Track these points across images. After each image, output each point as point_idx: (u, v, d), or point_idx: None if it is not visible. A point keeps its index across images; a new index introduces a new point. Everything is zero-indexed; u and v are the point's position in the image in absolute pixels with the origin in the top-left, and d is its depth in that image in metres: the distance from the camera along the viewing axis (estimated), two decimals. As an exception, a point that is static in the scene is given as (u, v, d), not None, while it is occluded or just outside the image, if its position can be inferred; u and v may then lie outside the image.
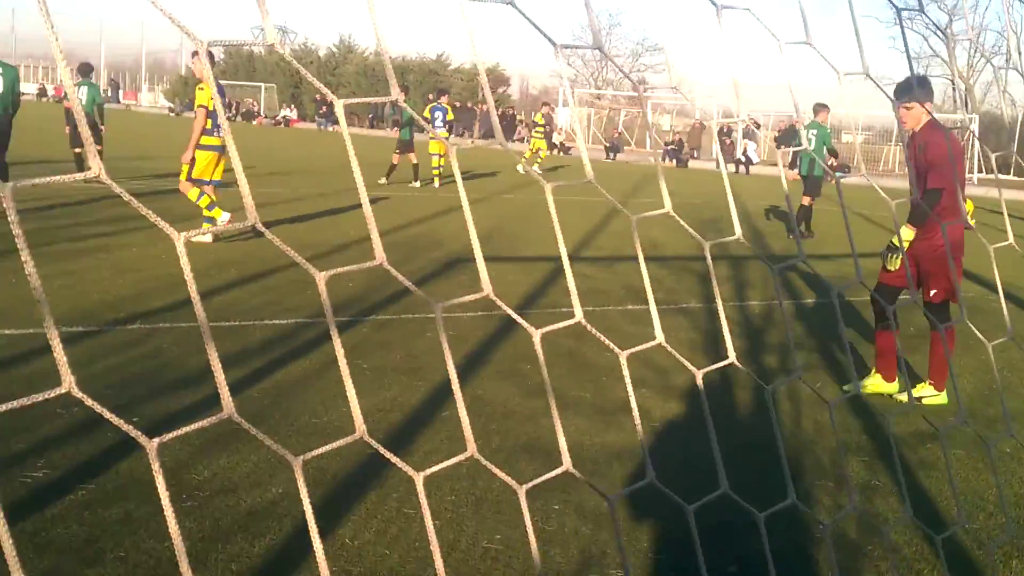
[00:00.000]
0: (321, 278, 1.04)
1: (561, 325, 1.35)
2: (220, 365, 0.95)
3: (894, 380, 7.40)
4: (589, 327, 1.35)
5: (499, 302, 1.25)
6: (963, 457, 6.18)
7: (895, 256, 7.16)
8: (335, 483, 5.01)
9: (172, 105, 75.26)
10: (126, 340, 7.29)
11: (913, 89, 6.82)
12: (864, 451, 6.20)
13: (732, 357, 1.58)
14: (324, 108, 62.53)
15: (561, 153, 48.80)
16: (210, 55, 12.59)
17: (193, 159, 12.14)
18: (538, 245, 14.27)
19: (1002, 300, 2.43)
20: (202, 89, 12.21)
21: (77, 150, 14.64)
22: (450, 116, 24.69)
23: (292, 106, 71.77)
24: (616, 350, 1.40)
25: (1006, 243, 2.33)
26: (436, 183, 23.83)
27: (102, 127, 14.90)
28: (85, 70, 15.47)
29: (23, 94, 14.83)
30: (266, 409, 6.01)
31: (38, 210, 13.50)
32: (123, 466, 4.94)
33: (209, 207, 12.25)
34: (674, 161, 47.56)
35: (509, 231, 15.84)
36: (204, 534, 4.33)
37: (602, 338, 1.41)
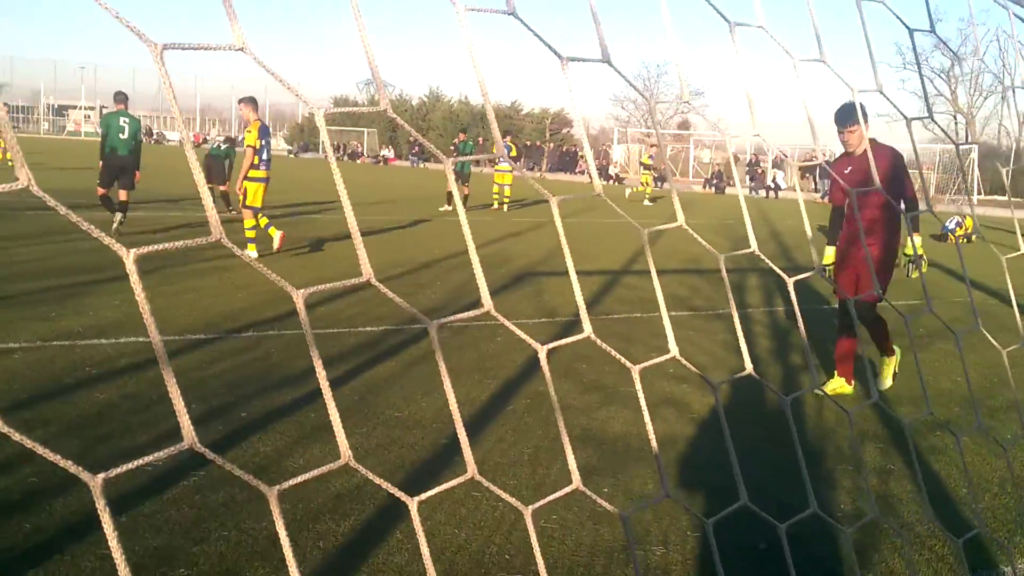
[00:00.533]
0: (299, 296, 0.88)
1: (568, 341, 1.17)
2: (179, 394, 0.78)
3: (852, 383, 7.01)
4: (599, 342, 1.17)
5: (500, 318, 1.07)
6: (968, 443, 5.86)
7: (915, 265, 6.80)
8: (412, 469, 4.86)
9: (291, 147, 76.29)
10: (240, 346, 7.22)
11: (855, 113, 6.34)
12: (880, 439, 5.92)
13: (749, 368, 1.39)
14: (416, 148, 63.15)
15: (616, 183, 48.51)
16: (254, 101, 12.79)
17: (246, 190, 12.35)
18: (595, 260, 14.06)
19: (1015, 308, 2.20)
20: (250, 132, 12.46)
21: (102, 191, 14.00)
22: (513, 152, 24.87)
23: (390, 147, 72.61)
24: (629, 364, 1.22)
25: (1018, 253, 2.11)
26: (504, 208, 24.03)
27: (137, 173, 14.16)
28: (121, 98, 14.39)
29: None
30: (356, 404, 5.88)
31: (171, 235, 13.61)
32: (229, 455, 4.83)
33: (266, 227, 12.55)
34: (713, 188, 47.04)
35: (571, 248, 15.61)
36: (297, 515, 4.20)
37: (613, 352, 1.22)
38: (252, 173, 12.37)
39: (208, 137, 77.27)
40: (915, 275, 6.81)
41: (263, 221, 12.54)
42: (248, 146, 12.36)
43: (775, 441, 5.65)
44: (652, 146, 38.87)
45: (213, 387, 6.03)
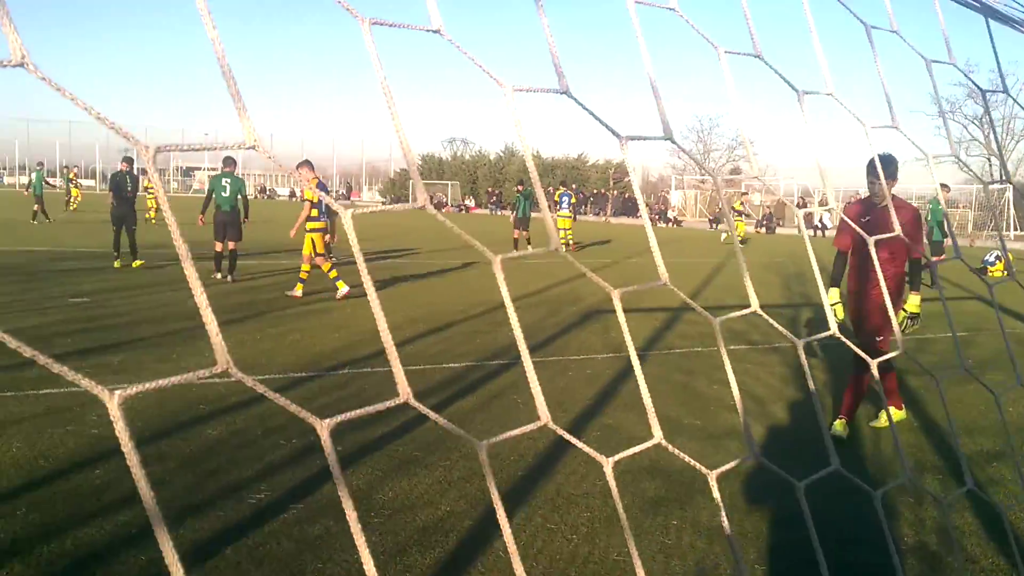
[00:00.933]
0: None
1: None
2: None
3: (902, 408, 6.65)
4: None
5: (419, 406, 0.89)
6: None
7: (912, 322, 6.25)
8: (489, 501, 4.65)
9: (384, 200, 77.37)
10: (336, 383, 7.13)
11: (886, 167, 5.85)
12: (938, 470, 5.54)
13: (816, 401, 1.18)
14: (494, 197, 63.65)
15: (675, 226, 48.09)
16: (309, 163, 13.02)
17: (313, 241, 12.58)
18: (658, 298, 13.74)
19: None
20: (308, 188, 12.36)
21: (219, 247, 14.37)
22: (574, 200, 24.99)
23: (471, 196, 73.17)
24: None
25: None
26: (568, 249, 23.77)
27: (245, 219, 14.50)
28: (228, 162, 14.98)
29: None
30: (440, 438, 5.71)
31: (277, 279, 13.71)
32: (326, 488, 4.69)
33: (334, 278, 12.54)
34: (764, 229, 46.28)
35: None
36: (385, 547, 4.03)
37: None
38: (311, 224, 12.66)
39: (313, 192, 78.56)
40: (911, 330, 6.27)
41: (332, 273, 12.60)
42: (307, 200, 12.74)
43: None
44: (743, 194, 38.55)
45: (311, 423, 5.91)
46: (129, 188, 15.40)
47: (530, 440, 5.80)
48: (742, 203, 34.88)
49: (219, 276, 13.78)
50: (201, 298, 0.67)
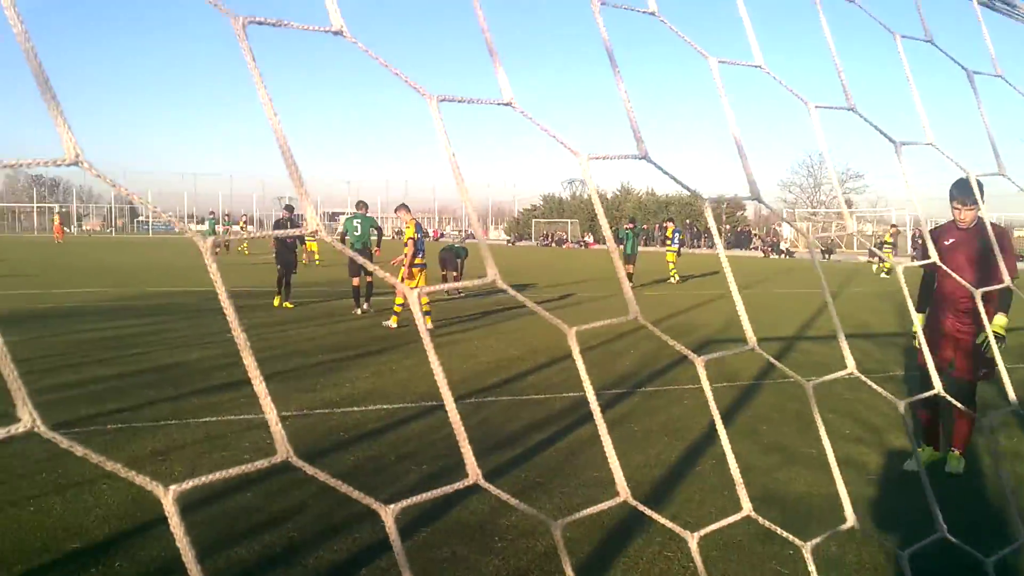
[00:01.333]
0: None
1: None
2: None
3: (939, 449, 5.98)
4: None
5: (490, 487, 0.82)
6: None
7: (997, 343, 5.42)
8: (608, 529, 4.54)
9: (508, 237, 78.18)
10: (464, 412, 7.14)
11: (974, 190, 5.37)
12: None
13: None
14: (614, 232, 63.67)
15: (786, 257, 46.74)
16: (406, 207, 13.20)
17: (411, 275, 12.83)
18: (772, 327, 13.30)
19: None
20: (408, 228, 13.03)
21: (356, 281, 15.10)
22: (682, 236, 24.86)
23: (589, 233, 73.18)
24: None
25: None
26: (673, 280, 23.86)
27: (376, 250, 15.09)
28: (361, 205, 15.73)
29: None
30: (560, 465, 5.63)
31: (410, 316, 13.94)
32: (454, 513, 4.68)
33: (399, 305, 12.85)
34: (878, 259, 44.42)
35: (749, 318, 14.90)
36: (508, 571, 3.98)
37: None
38: (415, 261, 12.97)
39: (444, 232, 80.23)
40: (990, 353, 5.51)
41: (398, 300, 12.91)
42: (409, 238, 12.96)
43: (950, 502, 4.98)
44: (893, 226, 37.22)
45: (440, 449, 5.94)
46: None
47: (646, 468, 5.66)
48: (891, 236, 33.54)
49: (359, 311, 14.17)
50: (256, 377, 0.65)
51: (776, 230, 64.35)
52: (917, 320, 5.53)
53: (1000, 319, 5.41)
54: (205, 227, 31.50)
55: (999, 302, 5.45)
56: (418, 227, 13.07)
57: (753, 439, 6.39)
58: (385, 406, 7.19)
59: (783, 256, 47.69)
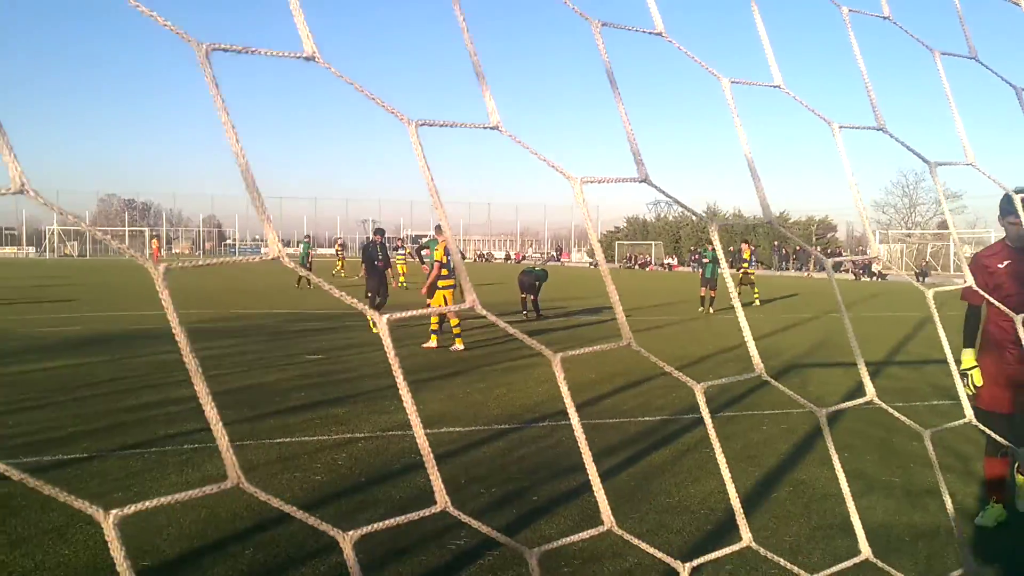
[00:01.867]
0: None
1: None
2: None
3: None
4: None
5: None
6: None
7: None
8: (677, 554, 4.47)
9: (591, 260, 77.96)
10: (536, 435, 7.16)
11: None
12: None
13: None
14: (696, 255, 62.97)
15: (879, 279, 45.37)
16: (439, 228, 13.37)
17: (444, 298, 12.99)
18: (842, 353, 12.88)
19: None
20: (437, 249, 13.25)
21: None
22: (746, 255, 24.12)
23: (673, 255, 72.51)
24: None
25: None
26: (757, 303, 23.76)
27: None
28: (439, 230, 16.07)
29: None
30: (632, 490, 5.59)
31: (487, 338, 14.04)
32: (519, 537, 4.68)
33: (440, 327, 13.23)
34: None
35: (835, 341, 14.53)
36: (572, 596, 3.96)
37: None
38: (441, 283, 13.08)
39: (526, 255, 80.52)
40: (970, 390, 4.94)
41: (434, 322, 13.17)
42: (436, 260, 13.12)
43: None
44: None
45: (511, 472, 5.96)
46: (380, 258, 16.34)
47: (720, 494, 5.56)
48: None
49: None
50: (210, 410, 0.68)
51: (865, 252, 62.55)
52: (965, 359, 5.00)
53: None
54: (300, 250, 32.40)
55: None
56: (447, 250, 13.22)
57: (831, 466, 6.20)
58: (458, 428, 7.26)
59: (875, 279, 46.29)
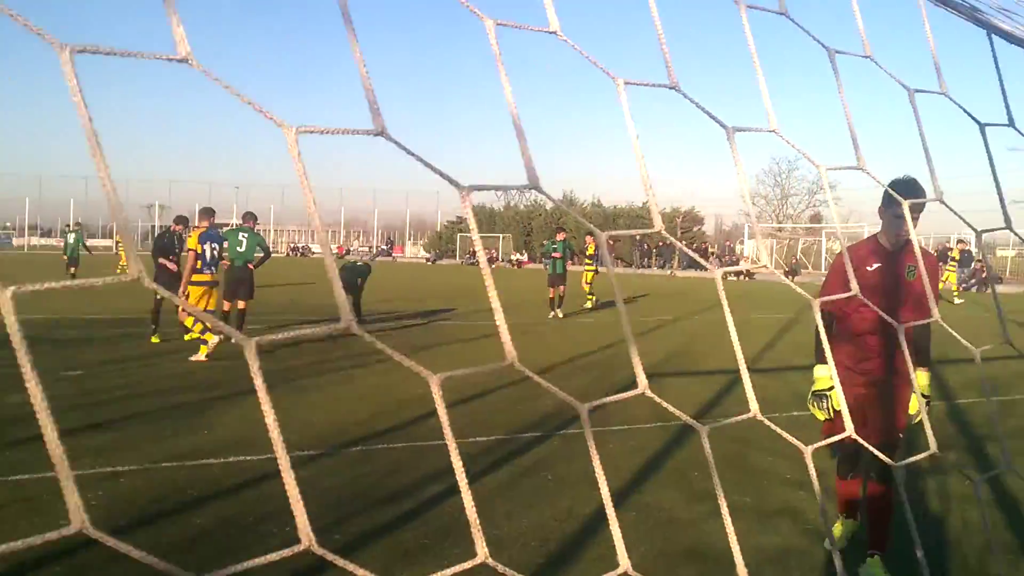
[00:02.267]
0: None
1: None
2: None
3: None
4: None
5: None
6: None
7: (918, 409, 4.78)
8: None
9: (429, 255, 78.14)
10: (347, 462, 7.08)
11: (919, 196, 4.37)
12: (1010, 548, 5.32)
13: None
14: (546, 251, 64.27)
15: (746, 279, 47.62)
16: (207, 211, 13.30)
17: (187, 293, 12.76)
18: (719, 359, 13.52)
19: None
20: (191, 237, 13.12)
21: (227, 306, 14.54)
22: (591, 250, 24.37)
23: (523, 251, 73.56)
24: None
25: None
26: (589, 304, 23.76)
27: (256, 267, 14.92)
28: (248, 217, 15.27)
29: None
30: (454, 522, 5.61)
31: (298, 350, 13.79)
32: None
33: (202, 332, 12.69)
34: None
35: (696, 347, 15.16)
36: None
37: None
38: (195, 277, 12.89)
39: (350, 249, 79.65)
40: (916, 422, 4.85)
41: (198, 327, 12.96)
42: (189, 250, 12.93)
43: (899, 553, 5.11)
44: (960, 242, 37.08)
45: (311, 508, 5.84)
46: (177, 250, 14.53)
47: (557, 522, 5.68)
48: (959, 251, 33.53)
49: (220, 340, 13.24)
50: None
51: (731, 248, 65.69)
52: (819, 378, 4.92)
53: (923, 377, 4.81)
54: (68, 240, 30.88)
55: (923, 352, 4.84)
56: (205, 237, 12.96)
57: (682, 487, 6.47)
58: (250, 457, 7.08)
59: (742, 278, 48.58)
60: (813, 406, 5.02)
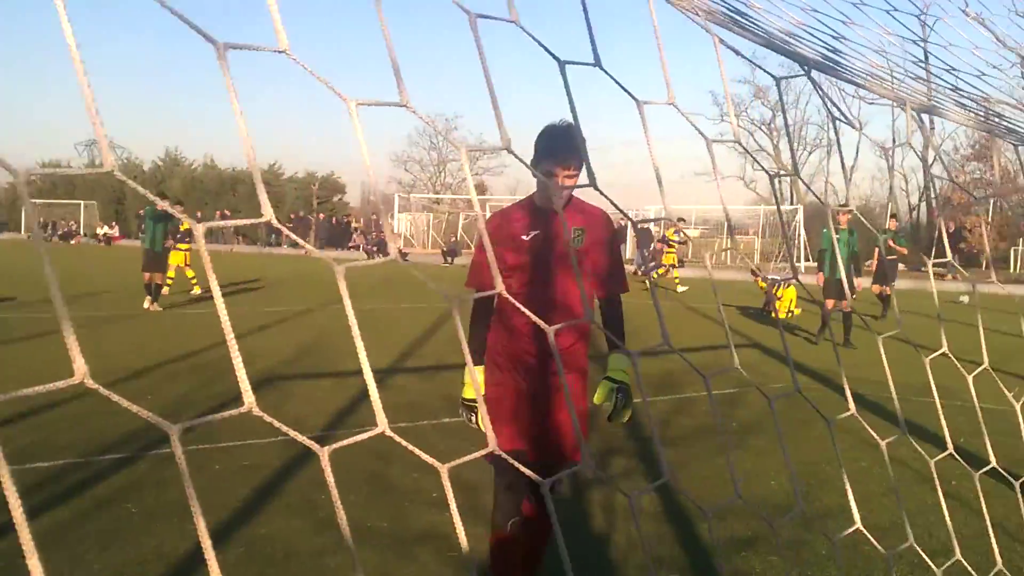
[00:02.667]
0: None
1: None
2: None
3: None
4: None
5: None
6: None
7: (616, 406, 4.46)
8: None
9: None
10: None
11: (581, 146, 3.37)
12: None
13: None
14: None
15: (402, 260, 48.33)
16: None
17: None
18: (357, 358, 13.57)
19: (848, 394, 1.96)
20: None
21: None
22: (184, 226, 23.41)
23: (114, 223, 70.10)
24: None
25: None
26: (195, 291, 23.97)
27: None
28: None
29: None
30: (11, 565, 5.21)
31: None
32: None
33: None
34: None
35: (330, 343, 15.15)
36: None
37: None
38: None
39: None
40: (621, 422, 4.50)
41: None
42: None
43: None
44: (680, 220, 37.61)
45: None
46: None
47: (140, 566, 5.45)
48: (676, 231, 34.70)
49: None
50: None
51: (377, 222, 66.24)
52: (466, 387, 4.59)
53: (618, 362, 4.52)
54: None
55: (616, 331, 4.69)
56: None
57: (306, 513, 6.46)
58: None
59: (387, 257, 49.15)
60: (463, 417, 4.76)
